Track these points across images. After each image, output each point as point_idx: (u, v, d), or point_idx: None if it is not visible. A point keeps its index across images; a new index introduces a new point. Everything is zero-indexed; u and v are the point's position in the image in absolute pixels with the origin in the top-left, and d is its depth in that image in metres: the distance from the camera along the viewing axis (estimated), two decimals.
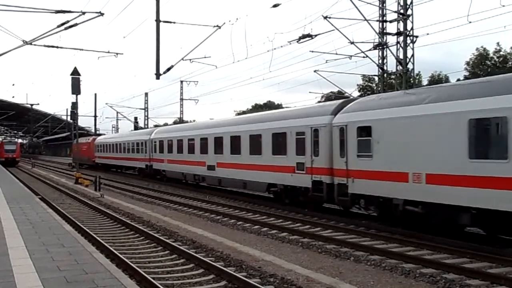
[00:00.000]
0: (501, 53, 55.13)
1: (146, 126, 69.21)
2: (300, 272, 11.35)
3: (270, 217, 20.62)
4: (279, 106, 74.40)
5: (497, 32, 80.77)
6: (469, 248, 13.45)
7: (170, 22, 25.59)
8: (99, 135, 72.31)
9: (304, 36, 25.80)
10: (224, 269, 11.36)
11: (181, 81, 62.57)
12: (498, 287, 10.28)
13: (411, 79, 28.16)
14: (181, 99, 64.77)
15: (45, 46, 26.39)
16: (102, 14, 22.01)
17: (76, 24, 21.97)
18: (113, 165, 56.99)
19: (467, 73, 55.33)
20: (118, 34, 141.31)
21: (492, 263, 12.20)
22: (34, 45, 24.65)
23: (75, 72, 36.30)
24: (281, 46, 29.06)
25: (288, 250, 14.53)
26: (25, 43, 23.83)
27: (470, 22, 21.50)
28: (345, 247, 14.34)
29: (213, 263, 11.91)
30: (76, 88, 36.98)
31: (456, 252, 13.28)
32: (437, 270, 11.62)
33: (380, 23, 27.71)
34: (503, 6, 20.64)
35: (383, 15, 27.87)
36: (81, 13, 21.63)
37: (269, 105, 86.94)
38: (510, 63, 53.77)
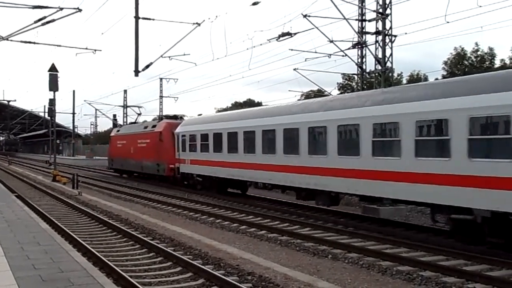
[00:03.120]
0: (479, 53, 55.73)
1: (125, 124, 68.80)
2: (278, 270, 11.35)
3: (248, 215, 20.64)
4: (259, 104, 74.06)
5: (475, 32, 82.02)
6: (446, 246, 13.60)
7: (149, 19, 25.47)
8: (176, 117, 37.01)
9: (283, 34, 25.84)
10: (202, 267, 11.32)
11: (161, 79, 62.15)
12: (473, 284, 10.40)
13: (390, 78, 28.28)
14: (161, 97, 64.40)
15: (22, 42, 26.24)
16: (80, 10, 21.85)
17: (53, 20, 21.80)
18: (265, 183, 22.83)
19: (445, 73, 55.81)
20: (96, 31, 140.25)
21: (468, 260, 12.33)
22: (11, 40, 24.46)
23: (52, 69, 35.90)
24: (261, 44, 29.00)
25: (267, 248, 14.55)
26: (2, 38, 23.55)
27: (447, 22, 21.66)
28: (323, 245, 14.39)
29: (191, 261, 11.86)
30: (53, 85, 36.58)
31: (432, 250, 13.40)
32: (413, 267, 11.73)
33: (359, 22, 27.84)
34: (480, 6, 20.85)
35: (362, 14, 27.97)
36: (58, 9, 21.46)
37: (249, 103, 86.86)
38: (487, 63, 54.37)
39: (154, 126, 37.47)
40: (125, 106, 68.32)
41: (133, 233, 15.95)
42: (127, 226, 17.99)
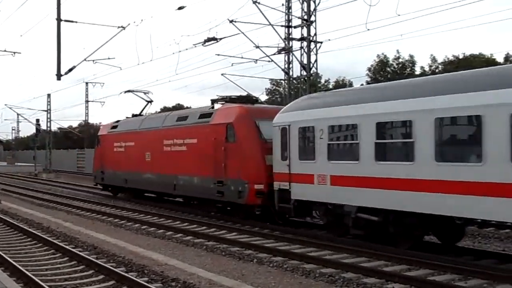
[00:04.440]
0: (400, 60, 57.78)
1: (48, 129, 66.68)
2: (203, 275, 11.32)
3: (175, 221, 20.44)
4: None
5: (395, 40, 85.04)
6: (368, 248, 13.94)
7: (72, 22, 24.84)
8: (249, 100, 22.53)
9: (209, 39, 25.88)
10: (125, 274, 11.10)
11: (86, 83, 60.80)
12: (392, 284, 10.71)
13: (317, 84, 28.84)
14: (87, 101, 63.03)
15: None
16: None
17: None
18: None
19: (369, 79, 57.49)
20: (15, 32, 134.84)
21: (388, 261, 12.69)
22: None
23: None
24: (187, 49, 28.87)
25: (192, 253, 14.45)
26: None
27: (368, 30, 22.44)
28: (249, 250, 14.42)
29: (114, 269, 11.61)
30: None
31: (355, 252, 13.71)
32: (336, 269, 11.92)
33: (286, 28, 28.25)
34: (399, 15, 21.70)
35: (288, 20, 28.42)
36: None
37: (179, 108, 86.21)
38: (408, 70, 56.43)
39: (207, 116, 21.32)
40: (48, 111, 66.06)
41: (54, 241, 15.46)
42: (48, 234, 17.42)
